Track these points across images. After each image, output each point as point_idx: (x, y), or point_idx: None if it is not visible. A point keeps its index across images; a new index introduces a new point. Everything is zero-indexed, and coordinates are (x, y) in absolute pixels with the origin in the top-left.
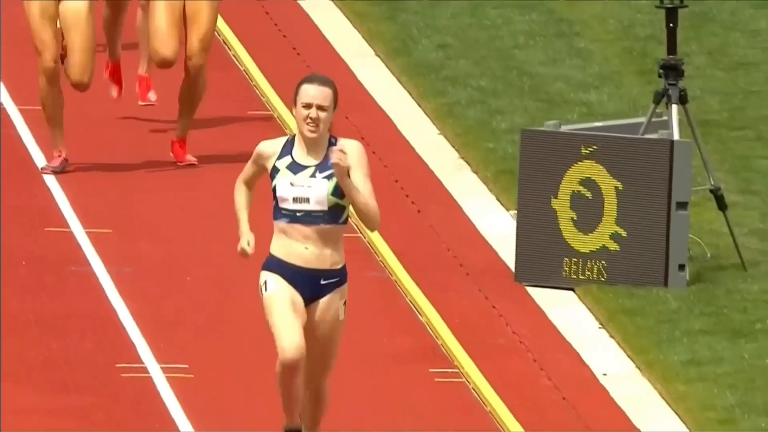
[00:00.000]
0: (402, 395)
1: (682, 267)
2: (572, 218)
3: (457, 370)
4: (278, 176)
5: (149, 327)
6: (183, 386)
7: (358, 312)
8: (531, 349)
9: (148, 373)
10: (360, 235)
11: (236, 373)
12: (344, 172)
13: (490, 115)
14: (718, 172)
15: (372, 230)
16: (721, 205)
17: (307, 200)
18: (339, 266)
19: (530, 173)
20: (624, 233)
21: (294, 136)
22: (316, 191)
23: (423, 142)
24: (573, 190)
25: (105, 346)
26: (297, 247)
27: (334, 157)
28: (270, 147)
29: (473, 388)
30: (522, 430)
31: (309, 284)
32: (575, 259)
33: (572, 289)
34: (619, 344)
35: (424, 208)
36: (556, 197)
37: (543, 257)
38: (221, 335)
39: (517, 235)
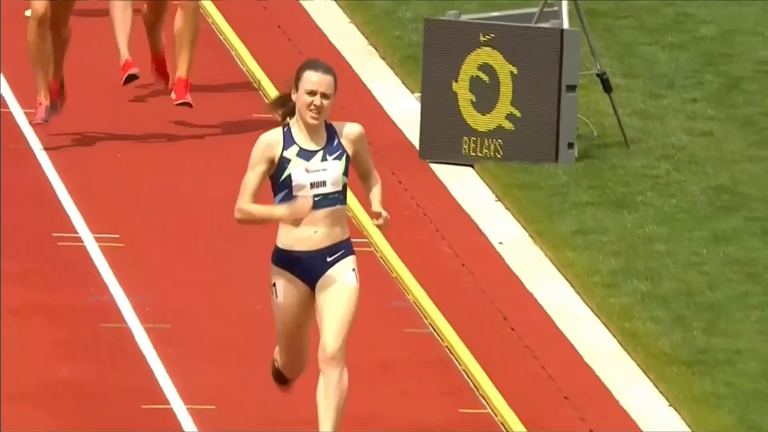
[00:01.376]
0: None
1: (571, 145)
2: (471, 100)
3: (366, 240)
4: (290, 165)
5: (83, 199)
6: (114, 254)
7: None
8: (433, 220)
9: (82, 241)
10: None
11: (163, 243)
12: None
13: (397, 5)
14: (604, 57)
15: None
16: (607, 87)
17: (324, 183)
18: (343, 239)
19: (433, 59)
20: (518, 114)
21: (287, 125)
22: (332, 173)
23: (335, 30)
24: (472, 75)
25: (42, 217)
26: (306, 231)
27: (378, 223)
28: (273, 137)
29: (380, 257)
30: (424, 293)
31: (316, 266)
32: (474, 138)
33: (471, 166)
34: (513, 215)
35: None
36: (456, 81)
37: (444, 136)
38: (150, 207)
39: (421, 115)
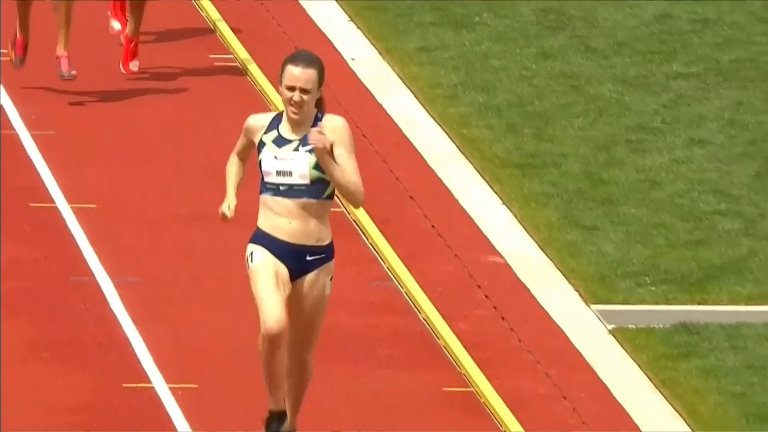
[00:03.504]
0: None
1: None
2: None
3: (231, 57)
4: (264, 150)
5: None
6: (48, 145)
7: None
8: (293, 39)
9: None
10: None
11: (48, 62)
12: (323, 152)
13: None
14: None
15: (356, 207)
16: None
17: (290, 173)
18: (325, 243)
19: None
20: None
21: (283, 111)
22: (299, 164)
23: None
24: None
25: None
26: (282, 221)
27: (312, 138)
28: (258, 121)
29: (245, 71)
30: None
31: (295, 259)
32: None
33: None
34: (364, 35)
35: None
36: None
37: None
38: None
39: None
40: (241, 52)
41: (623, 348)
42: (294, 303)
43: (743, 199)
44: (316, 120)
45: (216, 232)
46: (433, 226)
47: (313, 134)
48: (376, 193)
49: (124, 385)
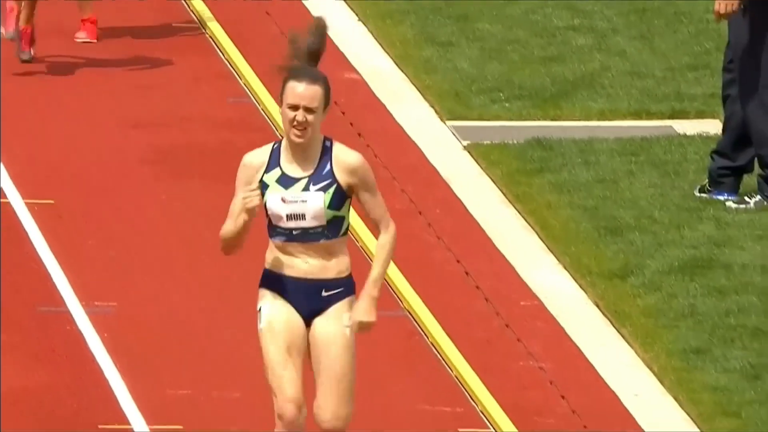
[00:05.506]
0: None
1: None
2: None
3: None
4: (268, 192)
5: None
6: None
7: None
8: None
9: None
10: None
11: None
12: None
13: None
14: None
15: None
16: None
17: (303, 216)
18: (344, 275)
19: None
20: None
21: (280, 141)
22: (311, 206)
23: None
24: None
25: None
26: (297, 261)
27: (354, 329)
28: (255, 158)
29: None
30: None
31: (309, 297)
32: None
33: None
34: None
35: None
36: None
37: None
38: None
39: None
40: None
41: (478, 164)
42: (313, 349)
43: (596, 15)
44: (325, 150)
45: (72, 43)
46: (277, 26)
47: (359, 326)
48: (233, 9)
49: None
